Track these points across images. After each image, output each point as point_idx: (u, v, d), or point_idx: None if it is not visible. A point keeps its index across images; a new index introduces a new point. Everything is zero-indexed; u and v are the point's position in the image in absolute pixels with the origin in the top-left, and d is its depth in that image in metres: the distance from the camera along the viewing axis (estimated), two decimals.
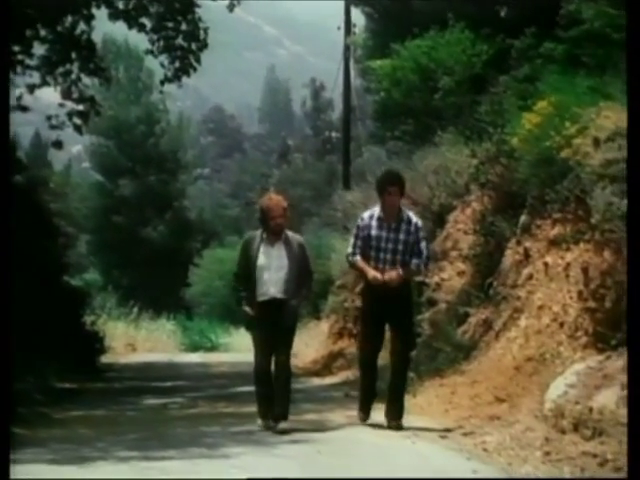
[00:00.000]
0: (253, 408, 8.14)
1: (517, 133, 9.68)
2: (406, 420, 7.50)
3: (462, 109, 13.46)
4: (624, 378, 6.04)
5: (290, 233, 7.62)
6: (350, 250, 7.70)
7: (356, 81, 24.63)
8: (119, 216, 42.09)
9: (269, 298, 7.46)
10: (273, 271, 7.45)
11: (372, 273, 7.47)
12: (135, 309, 30.19)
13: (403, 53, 15.10)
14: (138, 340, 27.66)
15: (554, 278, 8.53)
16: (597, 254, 7.44)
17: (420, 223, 7.69)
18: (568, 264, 8.23)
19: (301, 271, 7.55)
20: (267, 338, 7.49)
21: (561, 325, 8.01)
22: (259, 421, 7.63)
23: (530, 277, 9.17)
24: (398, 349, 7.61)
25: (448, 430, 7.29)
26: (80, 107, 15.69)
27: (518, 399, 7.65)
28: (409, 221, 7.57)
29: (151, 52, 16.28)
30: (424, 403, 8.77)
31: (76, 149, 63.01)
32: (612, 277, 7.07)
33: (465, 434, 7.07)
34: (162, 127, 45.17)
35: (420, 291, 11.12)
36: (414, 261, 7.56)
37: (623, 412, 5.62)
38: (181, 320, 34.80)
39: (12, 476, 4.64)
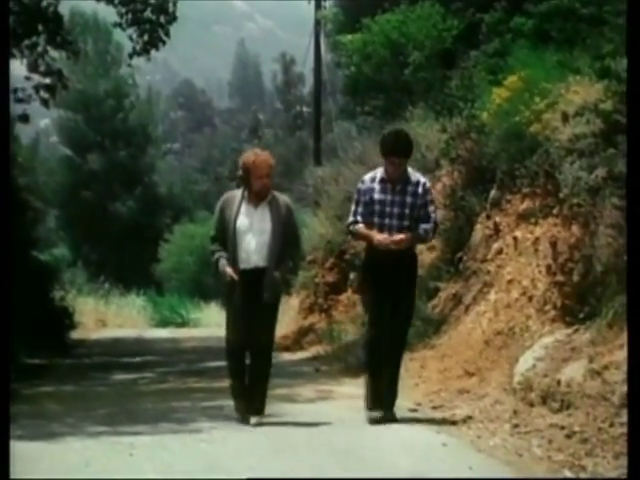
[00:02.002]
0: (223, 383, 8.09)
1: (487, 108, 9.70)
2: None
3: (432, 84, 13.45)
4: (591, 351, 6.11)
5: (276, 193, 6.71)
6: (351, 218, 6.75)
7: (327, 56, 24.50)
8: (88, 191, 41.74)
9: (250, 267, 6.54)
10: (254, 235, 6.54)
11: (377, 236, 6.55)
12: (105, 285, 30.06)
13: (373, 28, 15.03)
14: (108, 316, 27.58)
15: (523, 252, 8.58)
16: (565, 228, 7.49)
17: (428, 184, 6.79)
18: (537, 238, 8.28)
19: (287, 236, 6.62)
20: (243, 311, 6.55)
21: (530, 299, 8.07)
22: (238, 414, 6.73)
23: (500, 251, 9.22)
24: (395, 329, 6.68)
25: (418, 404, 7.33)
26: (47, 80, 15.49)
27: (487, 373, 7.71)
28: (417, 182, 6.66)
29: (119, 25, 16.07)
30: None
31: (44, 123, 62.27)
32: (580, 251, 7.12)
33: (434, 407, 7.12)
34: (131, 101, 44.78)
35: None
36: (422, 226, 6.64)
37: (590, 384, 5.69)
38: (151, 296, 34.69)
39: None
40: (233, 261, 6.57)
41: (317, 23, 22.83)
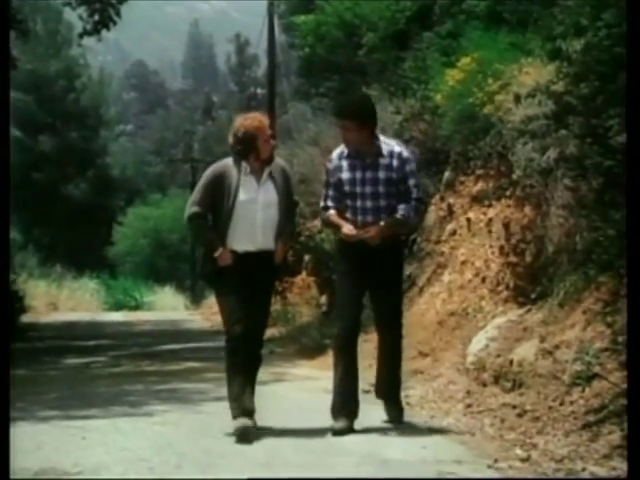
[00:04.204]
0: (176, 366, 8.07)
1: (440, 89, 9.72)
2: (329, 376, 7.48)
3: (386, 65, 13.45)
4: (542, 330, 6.18)
5: (277, 159, 5.86)
6: (322, 204, 5.75)
7: (281, 37, 24.43)
8: (39, 173, 41.18)
9: (255, 249, 5.58)
10: (259, 211, 5.57)
11: (345, 227, 5.53)
12: (57, 268, 29.75)
13: (327, 9, 15.02)
14: (60, 299, 27.32)
15: (477, 234, 8.64)
16: (518, 209, 7.55)
17: (407, 153, 5.66)
18: (490, 220, 8.34)
19: (288, 206, 5.73)
20: (246, 300, 5.52)
21: (483, 280, 8.13)
22: (237, 421, 5.40)
23: (453, 233, 9.27)
24: (384, 327, 5.72)
25: (371, 385, 7.34)
26: None
27: (441, 353, 7.76)
28: (390, 153, 5.60)
29: (69, 4, 15.86)
30: None
31: None
32: (532, 232, 7.19)
33: None
34: (83, 82, 44.28)
35: None
36: (400, 208, 5.52)
37: (541, 364, 5.75)
38: (104, 279, 34.49)
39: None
40: (223, 241, 5.58)
41: (271, 4, 22.72)
